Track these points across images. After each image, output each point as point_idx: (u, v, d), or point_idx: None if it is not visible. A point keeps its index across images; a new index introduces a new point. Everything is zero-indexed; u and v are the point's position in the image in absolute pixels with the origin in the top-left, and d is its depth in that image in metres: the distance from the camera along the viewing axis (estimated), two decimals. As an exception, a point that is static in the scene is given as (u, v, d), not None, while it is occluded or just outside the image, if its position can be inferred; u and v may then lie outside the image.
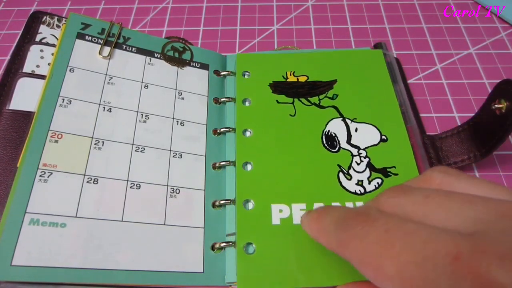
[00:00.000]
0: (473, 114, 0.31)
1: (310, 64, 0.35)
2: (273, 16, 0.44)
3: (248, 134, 0.31)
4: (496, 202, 0.14)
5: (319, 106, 0.32)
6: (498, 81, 0.29)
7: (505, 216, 0.13)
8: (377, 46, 0.39)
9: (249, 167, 0.29)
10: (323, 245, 0.19)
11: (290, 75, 0.34)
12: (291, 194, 0.27)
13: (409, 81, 0.37)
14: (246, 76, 0.34)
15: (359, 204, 0.28)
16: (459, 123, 0.34)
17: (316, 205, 0.27)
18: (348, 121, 0.32)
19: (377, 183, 0.29)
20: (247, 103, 0.32)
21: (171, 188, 0.28)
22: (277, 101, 0.32)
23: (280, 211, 0.27)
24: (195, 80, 0.34)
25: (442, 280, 0.12)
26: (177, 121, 0.31)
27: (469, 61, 0.39)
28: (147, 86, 0.32)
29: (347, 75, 0.34)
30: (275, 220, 0.26)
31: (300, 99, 0.33)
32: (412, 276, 0.13)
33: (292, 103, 0.32)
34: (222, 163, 0.30)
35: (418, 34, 0.42)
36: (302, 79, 0.34)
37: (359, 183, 0.29)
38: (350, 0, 0.45)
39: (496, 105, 0.28)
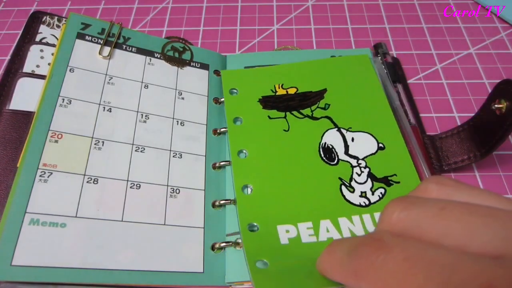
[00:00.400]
0: (473, 114, 0.31)
1: (297, 75, 0.34)
2: (273, 16, 0.44)
3: (243, 155, 0.30)
4: None
5: (312, 117, 0.32)
6: (498, 81, 0.29)
7: None
8: (377, 46, 0.39)
9: (249, 190, 0.28)
10: (338, 282, 0.17)
11: (279, 88, 0.33)
12: (295, 214, 0.27)
13: (409, 81, 0.38)
14: (234, 94, 0.33)
15: (366, 216, 0.27)
16: (459, 123, 0.34)
17: (323, 222, 0.26)
18: (344, 131, 0.31)
19: (381, 193, 0.28)
20: (238, 123, 0.31)
21: (171, 188, 0.28)
22: (269, 117, 0.31)
23: (287, 231, 0.26)
24: (195, 80, 0.34)
25: None
26: (177, 121, 0.31)
27: (469, 61, 0.39)
28: (147, 86, 0.32)
29: (336, 83, 0.33)
30: (284, 240, 0.25)
31: (292, 112, 0.32)
32: None
33: (285, 117, 0.31)
34: (222, 163, 0.30)
35: (418, 34, 0.42)
36: (292, 91, 0.33)
37: (363, 194, 0.28)
38: (350, 0, 0.45)
39: (496, 105, 0.28)
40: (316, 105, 0.32)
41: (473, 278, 0.11)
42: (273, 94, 0.33)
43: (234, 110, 0.32)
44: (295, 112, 0.32)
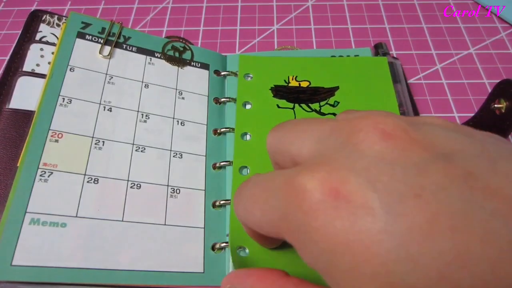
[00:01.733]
0: (473, 114, 0.31)
1: (313, 69, 0.34)
2: (273, 16, 0.44)
3: (247, 138, 0.30)
4: (333, 121, 0.16)
5: (319, 112, 0.32)
6: (498, 81, 0.29)
7: (333, 133, 0.15)
8: (377, 46, 0.39)
9: (245, 171, 0.29)
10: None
11: (292, 79, 0.34)
12: None
13: (409, 81, 0.38)
14: (248, 79, 0.34)
15: None
16: (459, 123, 0.34)
17: None
18: None
19: None
20: (247, 106, 0.32)
21: (171, 188, 0.28)
22: (278, 106, 0.32)
23: None
24: (195, 80, 0.34)
25: (280, 201, 0.14)
26: (178, 121, 0.31)
27: (469, 61, 0.39)
28: (148, 86, 0.32)
29: (350, 83, 0.34)
30: None
31: (301, 104, 0.32)
32: (268, 210, 0.15)
33: (293, 108, 0.32)
34: (222, 163, 0.30)
35: (418, 34, 0.42)
36: (304, 84, 0.34)
37: None
38: (350, 0, 0.45)
39: (496, 105, 0.28)
40: (326, 101, 0.33)
41: (282, 178, 0.15)
42: (286, 84, 0.34)
43: (246, 94, 0.33)
44: (303, 105, 0.32)
